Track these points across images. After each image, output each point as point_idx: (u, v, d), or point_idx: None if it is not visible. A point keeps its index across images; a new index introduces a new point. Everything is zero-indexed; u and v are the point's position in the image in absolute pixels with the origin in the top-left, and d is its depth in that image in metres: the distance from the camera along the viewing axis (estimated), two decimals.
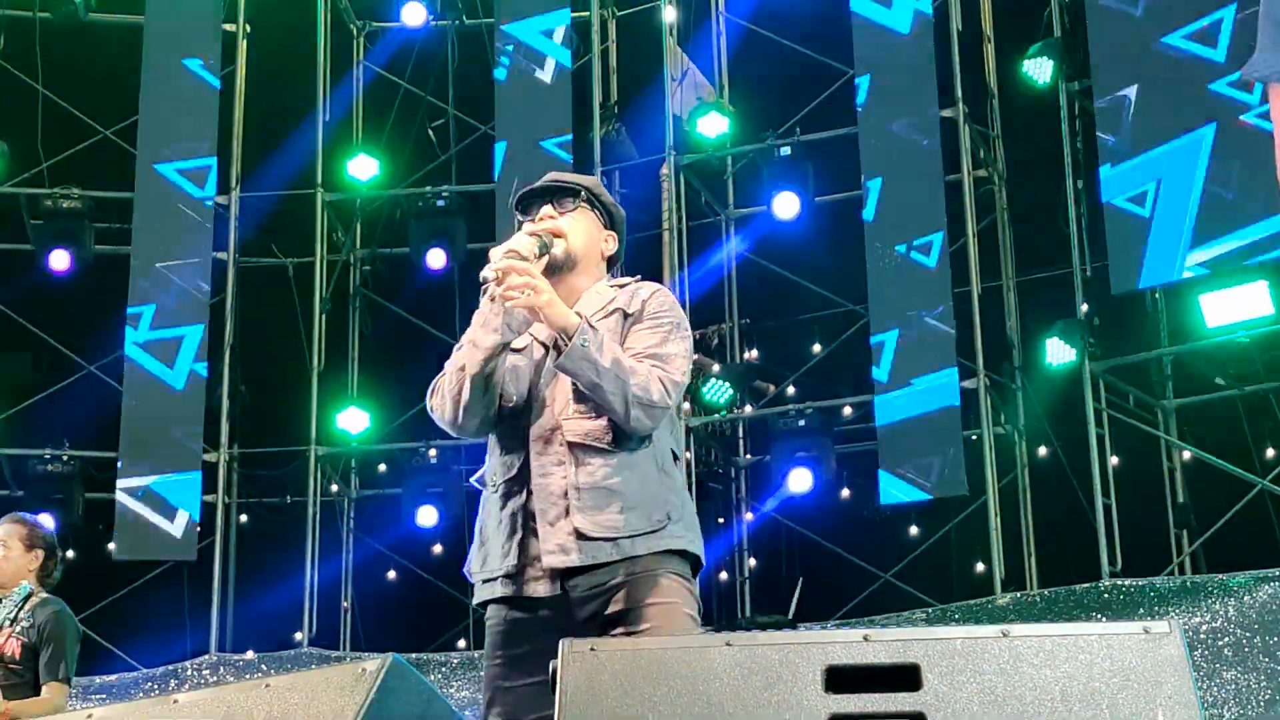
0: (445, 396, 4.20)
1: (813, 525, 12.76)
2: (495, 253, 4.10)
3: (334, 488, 13.33)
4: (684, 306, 13.83)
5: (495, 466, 4.25)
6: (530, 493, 4.11)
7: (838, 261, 12.67)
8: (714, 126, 13.19)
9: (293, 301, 13.47)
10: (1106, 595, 10.47)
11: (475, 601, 4.27)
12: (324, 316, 13.39)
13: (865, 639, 3.19)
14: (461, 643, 13.04)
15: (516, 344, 4.23)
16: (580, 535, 4.01)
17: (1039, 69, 12.28)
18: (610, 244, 4.46)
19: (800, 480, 12.17)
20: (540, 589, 4.07)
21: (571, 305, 4.16)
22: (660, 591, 4.05)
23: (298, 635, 12.66)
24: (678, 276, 13.37)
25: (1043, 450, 12.49)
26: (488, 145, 13.49)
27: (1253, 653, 9.98)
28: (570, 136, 13.14)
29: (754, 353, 13.94)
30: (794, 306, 13.21)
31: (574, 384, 4.11)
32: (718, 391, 12.96)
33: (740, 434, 13.73)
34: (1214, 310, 11.37)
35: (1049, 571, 11.83)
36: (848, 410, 12.92)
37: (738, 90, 13.83)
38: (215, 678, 11.34)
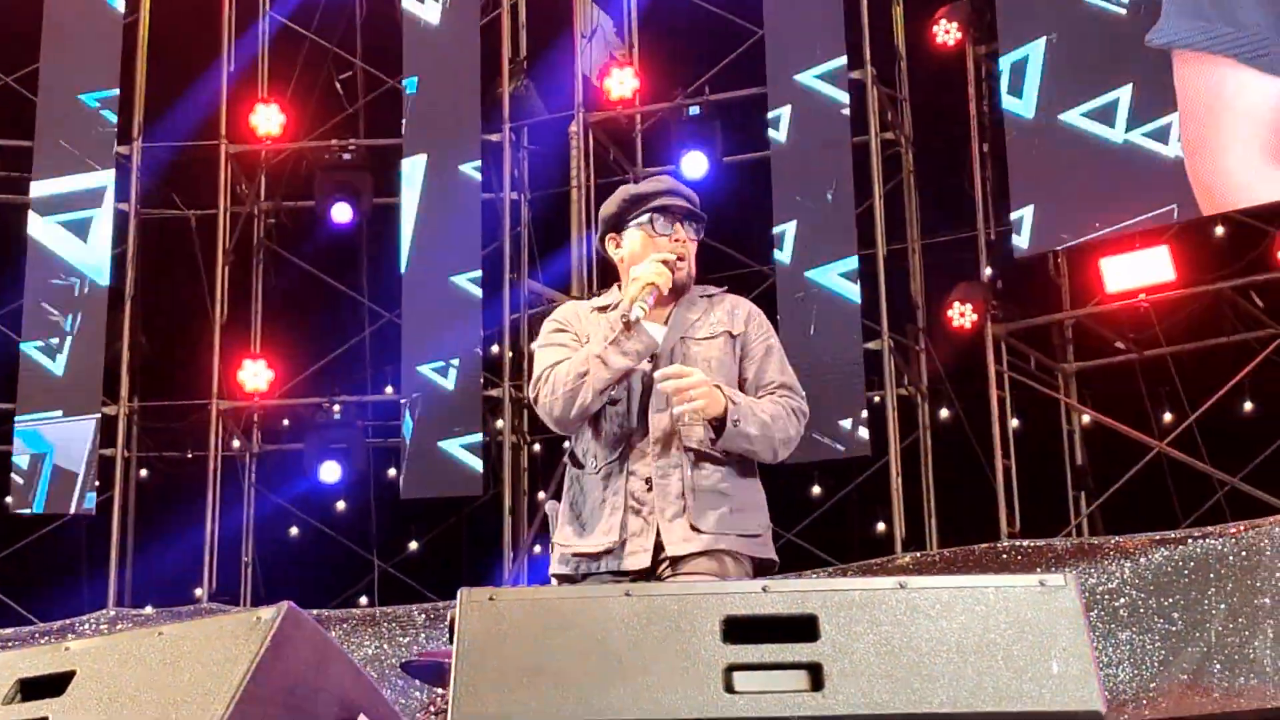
0: (559, 396, 4.53)
1: None
2: (637, 280, 4.52)
3: (235, 442, 13.22)
4: (590, 266, 13.86)
5: (595, 450, 4.59)
6: (631, 475, 4.49)
7: (745, 221, 12.67)
8: (623, 84, 13.14)
9: (195, 254, 13.32)
10: (1005, 556, 10.55)
11: (554, 572, 4.59)
12: (227, 269, 13.25)
13: (764, 590, 3.20)
14: (364, 599, 12.99)
15: None
16: (695, 529, 4.42)
17: (947, 32, 12.32)
18: None
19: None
20: (637, 562, 4.43)
21: (667, 313, 4.62)
22: (728, 568, 4.44)
23: (198, 591, 12.55)
24: (585, 234, 13.34)
25: (944, 412, 12.58)
26: (396, 99, 13.38)
27: (1148, 614, 10.10)
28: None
29: None
30: (701, 266, 13.17)
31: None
32: None
33: None
34: (1115, 275, 11.48)
35: (948, 532, 11.92)
36: None
37: (647, 48, 13.78)
38: (113, 632, 11.25)
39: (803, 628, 3.12)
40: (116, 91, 12.95)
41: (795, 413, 4.58)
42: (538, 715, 3.01)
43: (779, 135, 12.28)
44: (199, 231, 13.41)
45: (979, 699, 3.04)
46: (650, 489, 4.46)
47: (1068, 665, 3.07)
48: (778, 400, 4.57)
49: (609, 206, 4.77)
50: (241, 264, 13.54)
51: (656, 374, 4.44)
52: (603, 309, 4.69)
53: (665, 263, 4.56)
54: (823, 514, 12.51)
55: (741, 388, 4.61)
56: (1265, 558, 9.89)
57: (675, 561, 4.41)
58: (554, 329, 4.73)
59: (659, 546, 4.42)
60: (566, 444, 13.23)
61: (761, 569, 4.54)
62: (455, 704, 3.01)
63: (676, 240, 4.65)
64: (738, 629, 3.12)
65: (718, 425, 4.42)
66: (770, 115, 12.33)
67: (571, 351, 4.60)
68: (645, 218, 4.67)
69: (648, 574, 4.38)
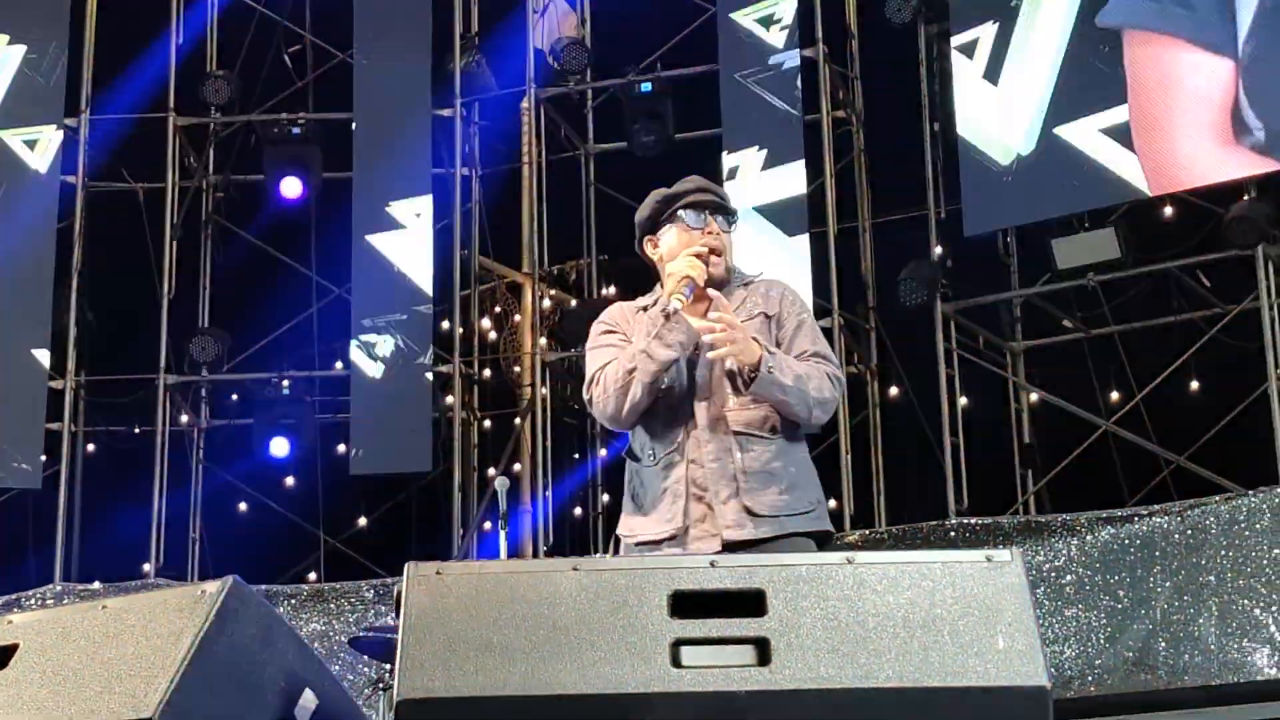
0: (611, 395, 4.66)
1: None
2: (674, 275, 4.64)
3: (184, 417, 13.15)
4: (542, 241, 13.87)
5: (651, 443, 4.70)
6: (691, 463, 4.61)
7: None
8: (575, 60, 13.12)
9: (143, 227, 13.23)
10: (953, 533, 10.60)
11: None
12: (175, 243, 13.15)
13: (711, 565, 3.20)
14: (312, 575, 12.95)
15: None
16: (750, 512, 4.53)
17: (898, 10, 12.33)
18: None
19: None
20: (704, 548, 4.53)
21: (707, 306, 4.64)
22: None
23: (146, 566, 12.49)
24: (536, 210, 13.32)
25: (893, 390, 12.62)
26: (346, 73, 13.31)
27: (1094, 590, 10.16)
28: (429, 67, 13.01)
29: (611, 289, 13.92)
30: None
31: (731, 378, 4.64)
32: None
33: None
34: (1063, 254, 11.53)
35: (897, 510, 11.97)
36: None
37: (600, 24, 13.75)
38: (59, 607, 11.17)
39: (750, 603, 3.12)
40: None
41: (829, 377, 4.69)
42: (484, 689, 3.00)
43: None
44: (147, 205, 13.31)
45: (925, 674, 3.05)
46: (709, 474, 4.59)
47: (1013, 640, 3.08)
48: (803, 364, 4.67)
49: (643, 211, 4.91)
50: (190, 238, 13.45)
51: (710, 315, 4.53)
52: (646, 309, 4.82)
53: (698, 255, 4.68)
54: None
55: None
56: (1210, 536, 9.96)
57: (738, 548, 4.51)
58: (602, 330, 4.88)
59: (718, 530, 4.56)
60: (516, 420, 13.11)
61: (820, 543, 4.66)
62: (401, 678, 3.00)
63: (710, 233, 4.77)
64: (685, 604, 3.12)
65: (752, 372, 4.53)
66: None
67: (620, 351, 4.73)
68: (679, 214, 4.81)
69: None
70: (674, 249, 4.79)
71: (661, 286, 4.86)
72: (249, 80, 13.58)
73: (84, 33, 13.20)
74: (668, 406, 4.68)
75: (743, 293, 4.82)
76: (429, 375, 12.64)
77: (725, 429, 4.62)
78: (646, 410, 4.68)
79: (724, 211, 4.85)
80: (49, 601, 11.15)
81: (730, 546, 4.53)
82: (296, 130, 13.10)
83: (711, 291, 4.62)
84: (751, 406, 4.62)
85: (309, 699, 3.48)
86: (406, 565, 3.15)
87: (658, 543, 4.60)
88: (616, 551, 4.80)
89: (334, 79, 13.58)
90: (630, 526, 4.72)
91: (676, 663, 3.05)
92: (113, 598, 3.37)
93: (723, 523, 4.54)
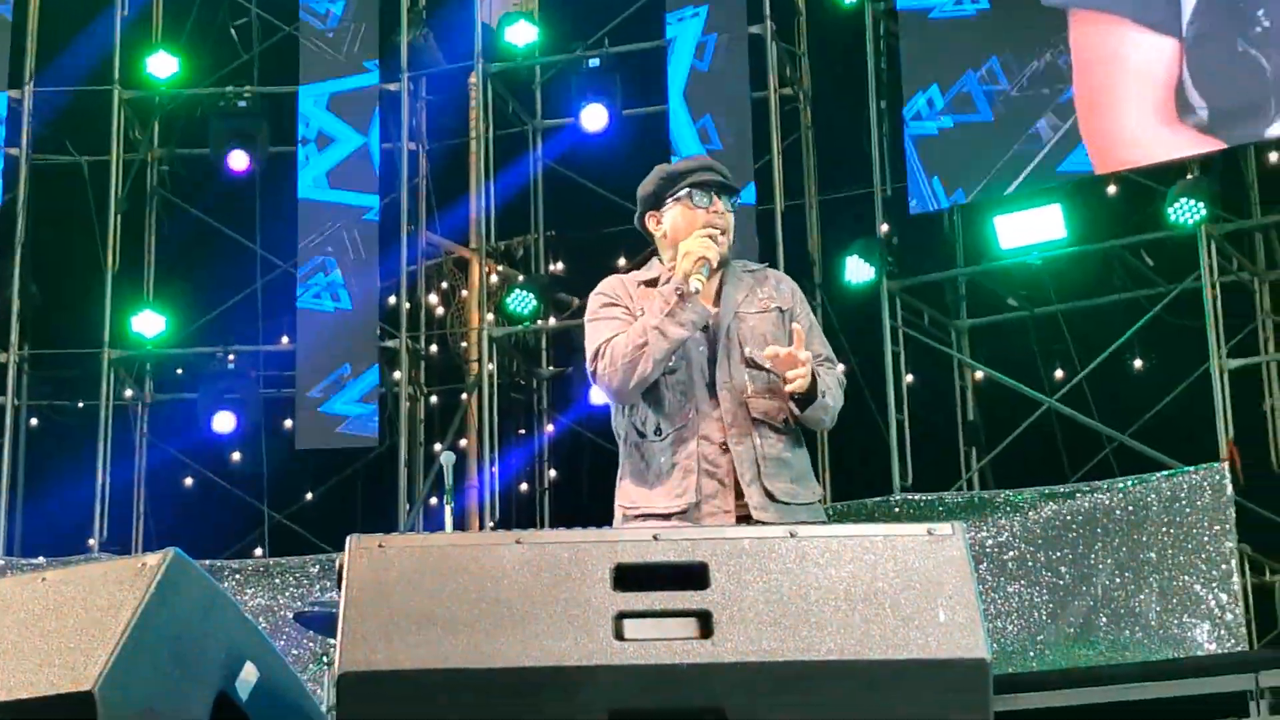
0: (619, 368, 4.69)
1: (613, 438, 12.78)
2: (689, 255, 4.66)
3: (128, 392, 13.07)
4: (489, 217, 13.85)
5: (657, 420, 4.74)
6: (703, 439, 4.67)
7: (643, 174, 12.63)
8: (523, 35, 13.09)
9: (87, 201, 13.13)
10: (897, 509, 10.67)
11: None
12: (120, 217, 13.07)
13: (654, 538, 3.20)
14: (258, 550, 12.92)
15: None
16: (770, 495, 4.62)
17: None
18: None
19: (601, 393, 12.20)
20: (715, 524, 4.56)
21: (714, 287, 4.78)
22: None
23: (90, 541, 12.43)
24: (484, 186, 13.28)
25: (840, 367, 12.61)
26: (292, 46, 13.23)
27: (1036, 567, 10.24)
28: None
29: (559, 265, 13.92)
30: (599, 219, 13.16)
31: (749, 368, 4.71)
32: (521, 302, 12.93)
33: (543, 345, 13.72)
34: (1008, 232, 11.58)
35: (842, 486, 12.00)
36: None
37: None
38: None
39: (693, 575, 3.12)
40: None
41: (840, 385, 4.86)
42: (426, 662, 3.00)
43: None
44: (92, 178, 13.22)
45: (867, 647, 3.06)
46: (725, 452, 4.66)
47: (954, 613, 3.10)
48: (829, 372, 4.81)
49: (646, 186, 4.93)
50: (135, 211, 13.36)
51: (765, 352, 4.65)
52: (649, 283, 4.85)
53: (710, 235, 4.72)
54: None
55: None
56: (1152, 513, 10.05)
57: (749, 520, 4.60)
58: (604, 303, 4.88)
59: (739, 509, 4.63)
60: (463, 396, 13.08)
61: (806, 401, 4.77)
62: (342, 651, 3.00)
63: (715, 212, 4.80)
64: (628, 577, 3.12)
65: (804, 398, 4.63)
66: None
67: (624, 325, 4.76)
68: (683, 193, 4.83)
69: None
70: (679, 226, 4.82)
71: (660, 261, 4.92)
72: (195, 53, 13.49)
73: (28, 4, 13.08)
74: (678, 383, 4.73)
75: (750, 280, 4.88)
76: (375, 350, 12.61)
77: (747, 415, 4.68)
78: (652, 386, 4.72)
79: (728, 191, 4.88)
80: None
81: (740, 519, 4.63)
82: (243, 103, 13.02)
83: (794, 342, 4.65)
84: (769, 397, 4.70)
85: (250, 672, 3.48)
86: (348, 538, 3.14)
87: (666, 516, 4.63)
88: (611, 525, 4.82)
89: (280, 51, 13.49)
90: (633, 499, 4.75)
91: (619, 635, 3.05)
92: (53, 570, 3.36)
93: (751, 503, 4.62)
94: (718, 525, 4.56)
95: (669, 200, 4.86)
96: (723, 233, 4.78)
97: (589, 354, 4.83)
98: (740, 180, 11.76)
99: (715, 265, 4.70)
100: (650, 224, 4.92)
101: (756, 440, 4.66)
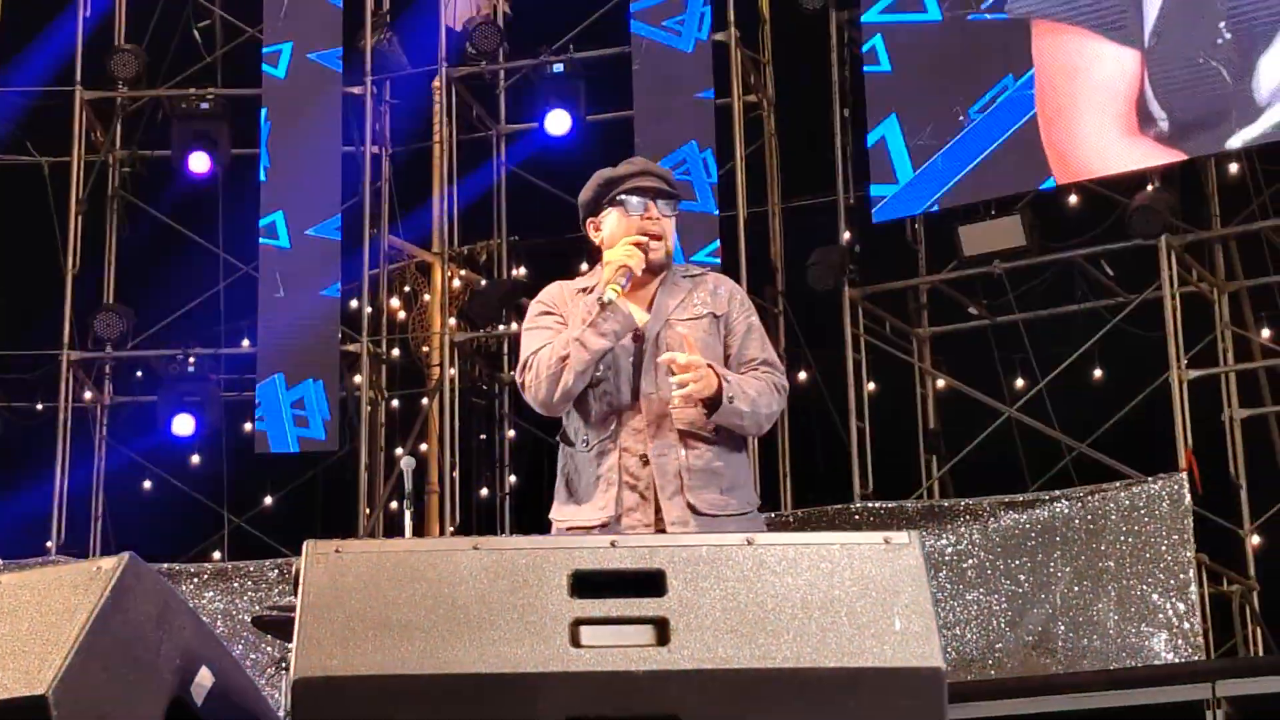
0: (543, 381, 4.63)
1: None
2: (611, 263, 4.62)
3: (87, 394, 13.01)
4: (452, 221, 13.81)
5: (585, 428, 4.69)
6: (624, 451, 4.61)
7: None
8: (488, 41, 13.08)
9: (48, 202, 13.07)
10: (857, 517, 10.67)
11: None
12: (80, 218, 13.01)
13: (612, 545, 3.21)
14: (217, 554, 12.87)
15: None
16: (694, 510, 4.55)
17: None
18: None
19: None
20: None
21: (651, 294, 4.72)
22: None
23: (48, 544, 12.36)
24: (447, 190, 13.26)
25: (802, 375, 12.68)
26: (255, 49, 13.18)
27: (995, 575, 10.26)
28: (340, 49, 12.89)
29: (522, 270, 13.90)
30: (563, 224, 13.14)
31: (671, 375, 4.58)
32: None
33: (505, 350, 13.71)
34: (970, 241, 11.62)
35: (803, 493, 12.02)
36: None
37: (513, 4, 13.70)
38: None
39: (650, 583, 3.13)
40: None
41: (777, 388, 4.73)
42: (382, 668, 3.00)
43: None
44: (52, 179, 13.15)
45: (823, 655, 3.07)
46: (646, 465, 4.59)
47: (910, 622, 3.11)
48: (760, 377, 4.70)
49: (585, 193, 4.86)
50: (95, 213, 13.30)
51: (661, 359, 4.57)
52: (587, 290, 4.78)
53: (637, 243, 4.66)
54: None
55: (725, 364, 4.72)
56: (1110, 522, 10.08)
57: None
58: (540, 311, 4.82)
59: (658, 524, 4.55)
60: (424, 401, 13.08)
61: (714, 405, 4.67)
62: (298, 657, 2.99)
63: (649, 218, 4.74)
64: (585, 584, 3.13)
65: (712, 402, 4.54)
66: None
67: (555, 334, 4.70)
68: (620, 199, 4.76)
69: None
70: (615, 234, 4.75)
71: (603, 268, 4.82)
72: (157, 54, 13.43)
73: None
74: (604, 393, 4.67)
75: (688, 284, 4.81)
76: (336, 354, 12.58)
77: (670, 426, 4.62)
78: (581, 396, 4.67)
79: (666, 195, 4.80)
80: None
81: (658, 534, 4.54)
82: (205, 105, 12.97)
83: (677, 356, 4.55)
84: (696, 406, 4.61)
85: (205, 676, 3.47)
86: (305, 543, 3.14)
87: (589, 529, 4.56)
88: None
89: (243, 54, 13.45)
90: (563, 513, 4.71)
91: (576, 642, 3.06)
92: (7, 574, 3.34)
93: (668, 518, 4.54)
94: None
95: (606, 206, 4.79)
96: (657, 239, 4.72)
97: (519, 364, 4.78)
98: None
99: (638, 273, 4.63)
100: (590, 230, 4.87)
101: (681, 452, 4.60)
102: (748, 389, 4.62)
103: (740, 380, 4.64)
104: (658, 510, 4.56)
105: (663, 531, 4.51)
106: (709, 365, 4.55)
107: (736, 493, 4.66)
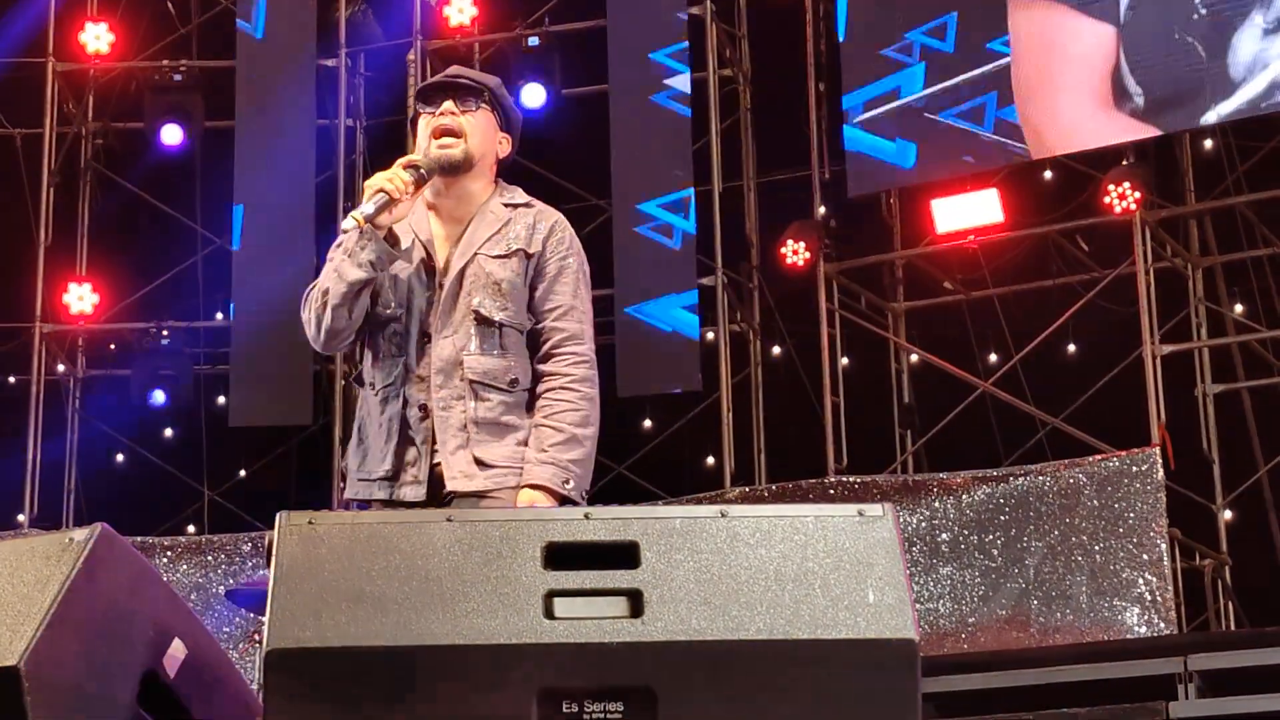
0: (311, 317, 4.26)
1: None
2: (369, 185, 4.17)
3: (60, 367, 12.97)
4: None
5: (373, 371, 4.30)
6: (406, 402, 4.21)
7: (583, 155, 12.63)
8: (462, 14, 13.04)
9: (19, 174, 13.01)
10: (832, 491, 10.69)
11: (348, 497, 4.32)
12: (52, 190, 12.95)
13: (586, 517, 3.21)
14: (191, 528, 12.85)
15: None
16: (480, 463, 4.16)
17: None
18: (504, 146, 4.47)
19: None
20: (409, 494, 4.18)
21: (466, 213, 4.31)
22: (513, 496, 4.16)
23: (20, 517, 12.34)
24: None
25: (776, 349, 12.69)
26: (230, 21, 13.13)
27: (969, 549, 10.29)
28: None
29: None
30: (538, 198, 13.11)
31: (477, 320, 4.22)
32: None
33: None
34: (945, 216, 11.62)
35: (777, 467, 12.03)
36: None
37: None
38: None
39: (624, 554, 3.13)
40: None
41: (582, 383, 4.29)
42: (355, 640, 2.99)
43: None
44: (24, 151, 13.09)
45: (796, 627, 3.07)
46: (426, 418, 4.21)
47: (883, 594, 3.11)
48: (568, 384, 4.27)
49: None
50: (68, 185, 13.25)
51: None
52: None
53: (421, 158, 4.26)
54: (653, 448, 12.57)
55: (530, 310, 4.32)
56: (1084, 497, 10.12)
57: (459, 499, 4.16)
58: (337, 243, 4.35)
59: (437, 480, 4.19)
60: None
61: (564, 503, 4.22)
62: (270, 628, 2.98)
63: (442, 115, 4.31)
64: (559, 555, 3.13)
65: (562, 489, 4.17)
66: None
67: None
68: (420, 106, 4.41)
69: (422, 506, 4.17)
70: (420, 144, 4.36)
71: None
72: (130, 26, 13.37)
73: None
74: (394, 333, 4.26)
75: (506, 213, 4.36)
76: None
77: (461, 376, 4.20)
78: (372, 333, 4.29)
79: (460, 90, 4.34)
80: None
81: (436, 487, 4.17)
82: (178, 77, 12.92)
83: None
84: (495, 354, 4.23)
85: (178, 649, 3.46)
86: (279, 514, 3.13)
87: (371, 482, 4.22)
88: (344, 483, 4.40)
89: (217, 26, 13.39)
90: (352, 461, 4.32)
91: (549, 614, 3.06)
92: None
93: (448, 474, 4.14)
94: (411, 502, 4.17)
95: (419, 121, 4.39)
96: (451, 134, 4.28)
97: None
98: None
99: (396, 197, 4.13)
100: None
101: (470, 404, 4.18)
102: (562, 435, 4.20)
103: (555, 451, 4.19)
104: (435, 467, 4.19)
105: (442, 488, 4.15)
106: (538, 487, 4.14)
107: (534, 442, 4.22)
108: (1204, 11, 10.42)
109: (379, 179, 4.16)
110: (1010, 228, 11.72)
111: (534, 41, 12.61)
